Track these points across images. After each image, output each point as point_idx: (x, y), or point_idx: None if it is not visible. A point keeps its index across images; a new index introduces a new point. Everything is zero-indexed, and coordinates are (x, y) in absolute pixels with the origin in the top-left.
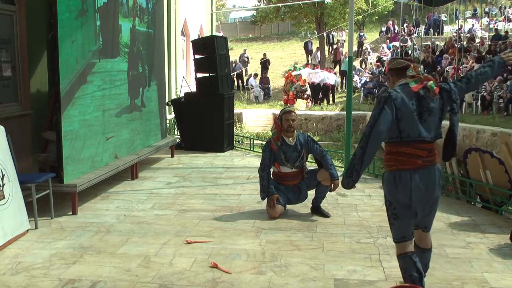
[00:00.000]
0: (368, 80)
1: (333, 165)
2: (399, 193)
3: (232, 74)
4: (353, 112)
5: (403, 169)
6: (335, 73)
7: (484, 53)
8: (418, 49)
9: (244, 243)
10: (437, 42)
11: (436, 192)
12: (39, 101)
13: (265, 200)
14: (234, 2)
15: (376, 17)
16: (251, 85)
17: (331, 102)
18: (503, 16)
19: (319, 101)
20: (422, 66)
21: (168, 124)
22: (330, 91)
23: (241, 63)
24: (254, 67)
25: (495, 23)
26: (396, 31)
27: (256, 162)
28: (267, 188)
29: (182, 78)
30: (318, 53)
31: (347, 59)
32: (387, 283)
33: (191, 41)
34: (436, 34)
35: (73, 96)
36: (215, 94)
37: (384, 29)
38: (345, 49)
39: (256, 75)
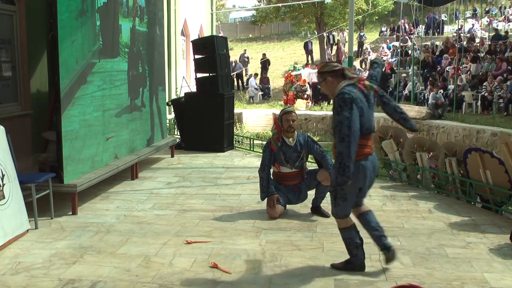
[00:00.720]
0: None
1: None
2: (359, 180)
3: (232, 74)
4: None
5: (361, 159)
6: None
7: (484, 53)
8: (418, 49)
9: (244, 243)
10: (437, 42)
11: (376, 172)
12: (39, 101)
13: (265, 200)
14: (234, 2)
15: (376, 17)
16: (250, 85)
17: (331, 102)
18: (503, 16)
19: (319, 101)
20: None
21: (168, 124)
22: None
23: (241, 63)
24: (254, 67)
25: (496, 23)
26: (407, 30)
27: (256, 162)
28: (267, 189)
29: (182, 78)
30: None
31: (347, 59)
32: (387, 283)
33: (191, 41)
34: (436, 34)
35: (73, 96)
36: (215, 94)
37: (384, 29)
38: (346, 49)
39: (256, 75)
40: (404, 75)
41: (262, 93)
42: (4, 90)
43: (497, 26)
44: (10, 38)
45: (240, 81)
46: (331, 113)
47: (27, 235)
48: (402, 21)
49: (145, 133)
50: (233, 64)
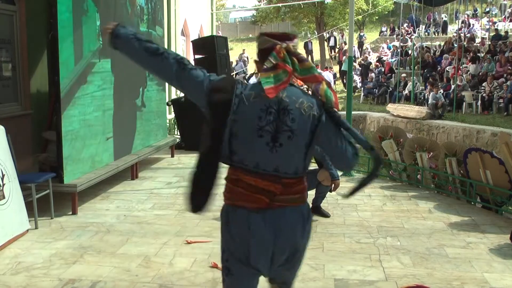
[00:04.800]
0: (368, 80)
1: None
2: (232, 238)
3: (232, 74)
4: (353, 112)
5: (239, 206)
6: (334, 73)
7: (484, 53)
8: (418, 49)
9: None
10: (438, 42)
11: (296, 240)
12: (39, 101)
13: None
14: (234, 2)
15: (376, 17)
16: None
17: None
18: (503, 16)
19: None
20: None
21: (168, 124)
22: None
23: (242, 63)
24: (254, 67)
25: (495, 23)
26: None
27: None
28: None
29: None
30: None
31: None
32: (387, 283)
33: (191, 41)
34: (440, 34)
35: (73, 96)
36: None
37: (384, 29)
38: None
39: (257, 74)
40: (404, 75)
41: None
42: (4, 90)
43: (497, 26)
44: (10, 38)
45: None
46: None
47: (27, 235)
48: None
49: (145, 133)
50: (235, 63)
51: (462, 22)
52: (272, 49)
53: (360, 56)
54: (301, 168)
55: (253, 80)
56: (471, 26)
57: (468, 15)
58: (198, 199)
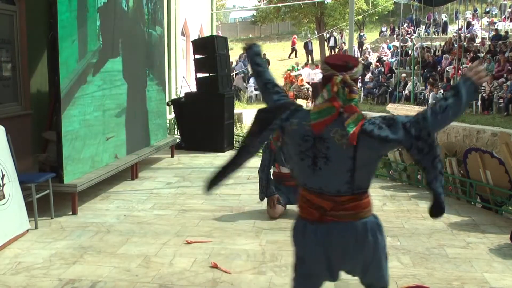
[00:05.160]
0: (368, 80)
1: None
2: (294, 244)
3: (232, 74)
4: None
5: (302, 217)
6: None
7: (484, 53)
8: (419, 49)
9: (244, 243)
10: (438, 42)
11: (350, 253)
12: (39, 101)
13: (265, 200)
14: (234, 2)
15: (376, 17)
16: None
17: None
18: (503, 16)
19: None
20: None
21: (168, 124)
22: None
23: (242, 63)
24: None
25: (495, 23)
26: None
27: (256, 162)
28: (266, 189)
29: (182, 78)
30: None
31: None
32: None
33: (191, 41)
34: (440, 34)
35: (73, 96)
36: (215, 94)
37: (384, 29)
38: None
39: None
40: (404, 75)
41: (252, 91)
42: (4, 90)
43: (497, 26)
44: (10, 38)
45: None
46: None
47: (27, 235)
48: (405, 24)
49: (145, 133)
50: (235, 63)
51: (467, 22)
52: (330, 79)
53: (360, 56)
54: (345, 189)
55: (252, 80)
56: (472, 26)
57: (473, 14)
58: (216, 179)
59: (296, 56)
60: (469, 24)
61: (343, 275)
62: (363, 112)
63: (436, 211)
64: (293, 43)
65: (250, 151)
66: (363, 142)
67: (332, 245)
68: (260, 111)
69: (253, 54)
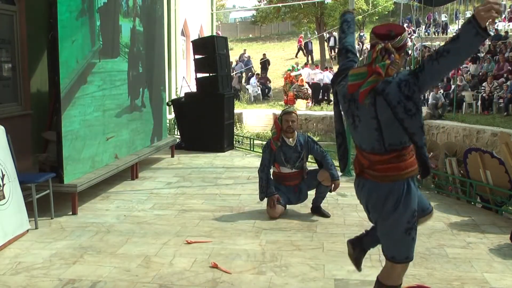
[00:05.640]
0: None
1: (334, 165)
2: None
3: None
4: None
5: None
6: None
7: (484, 53)
8: (419, 49)
9: (244, 243)
10: (438, 42)
11: (372, 206)
12: (39, 101)
13: (265, 200)
14: (234, 2)
15: (376, 17)
16: (251, 85)
17: (331, 102)
18: (503, 16)
19: (319, 101)
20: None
21: (168, 124)
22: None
23: (242, 63)
24: (254, 67)
25: (495, 23)
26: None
27: (256, 162)
28: (266, 189)
29: (182, 78)
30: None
31: None
32: None
33: (191, 41)
34: (440, 34)
35: (73, 96)
36: (215, 94)
37: None
38: None
39: (258, 74)
40: None
41: (259, 92)
42: (4, 90)
43: (497, 26)
44: (10, 38)
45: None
46: (331, 113)
47: (27, 235)
48: (405, 24)
49: (145, 133)
50: (235, 63)
51: (462, 21)
52: (373, 47)
53: (360, 56)
54: (377, 146)
55: (253, 80)
56: None
57: (465, 18)
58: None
59: (304, 55)
60: None
61: (341, 275)
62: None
63: (424, 173)
64: (299, 42)
65: (339, 116)
66: (379, 102)
67: (363, 198)
68: (331, 80)
69: (342, 21)
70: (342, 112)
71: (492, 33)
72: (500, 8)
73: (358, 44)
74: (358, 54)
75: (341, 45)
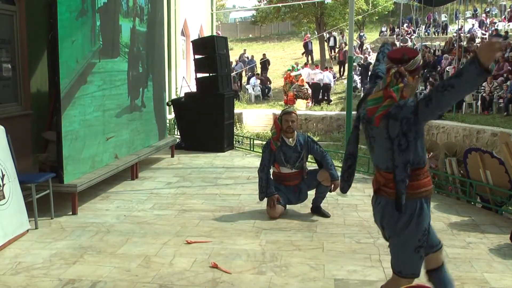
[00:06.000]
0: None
1: (334, 165)
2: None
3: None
4: (353, 112)
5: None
6: (334, 74)
7: None
8: (419, 49)
9: (244, 243)
10: (438, 42)
11: (385, 223)
12: (39, 101)
13: (265, 200)
14: (234, 2)
15: (376, 17)
16: (252, 85)
17: (331, 102)
18: (503, 16)
19: (319, 101)
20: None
21: (168, 124)
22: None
23: (242, 63)
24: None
25: (495, 23)
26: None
27: (256, 162)
28: (266, 189)
29: (182, 78)
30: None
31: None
32: None
33: (191, 41)
34: (440, 34)
35: (73, 96)
36: (215, 94)
37: (384, 29)
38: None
39: (258, 74)
40: None
41: (259, 90)
42: (4, 90)
43: (497, 26)
44: (10, 38)
45: (239, 81)
46: (331, 113)
47: (27, 235)
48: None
49: (145, 133)
50: (235, 63)
51: (479, 21)
52: (388, 71)
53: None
54: (391, 165)
55: (253, 80)
56: (472, 26)
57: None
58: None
59: (308, 55)
60: (481, 24)
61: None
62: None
63: (396, 206)
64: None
65: (355, 139)
66: (391, 124)
67: (378, 214)
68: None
69: (379, 51)
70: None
71: (493, 69)
72: (502, 47)
73: (358, 43)
74: (356, 52)
75: (373, 71)
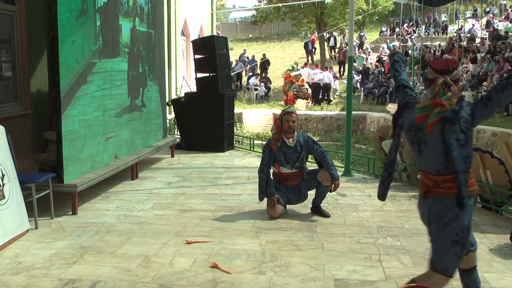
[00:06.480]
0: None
1: (334, 165)
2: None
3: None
4: (353, 112)
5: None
6: (334, 74)
7: (484, 53)
8: (419, 49)
9: (244, 243)
10: (438, 42)
11: (433, 220)
12: (39, 101)
13: (265, 200)
14: (234, 2)
15: (376, 17)
16: (253, 84)
17: (331, 102)
18: (503, 16)
19: (319, 101)
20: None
21: (168, 124)
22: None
23: (242, 63)
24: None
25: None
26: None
27: (256, 162)
28: (266, 189)
29: (182, 78)
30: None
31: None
32: (387, 283)
33: (191, 41)
34: (440, 34)
35: (73, 96)
36: (215, 94)
37: (384, 29)
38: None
39: (258, 74)
40: None
41: (264, 90)
42: (4, 90)
43: (497, 26)
44: (10, 38)
45: (239, 82)
46: (331, 113)
47: (27, 235)
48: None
49: (145, 133)
50: (235, 63)
51: (487, 21)
52: (434, 81)
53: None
54: (442, 169)
55: (253, 80)
56: (472, 26)
57: (465, 18)
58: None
59: (314, 54)
60: (489, 23)
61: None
62: (363, 111)
63: (458, 201)
64: (313, 41)
65: (396, 147)
66: (447, 127)
67: (426, 214)
68: (393, 115)
69: (393, 61)
70: (407, 141)
71: None
72: None
73: (357, 43)
74: (358, 52)
75: (397, 82)
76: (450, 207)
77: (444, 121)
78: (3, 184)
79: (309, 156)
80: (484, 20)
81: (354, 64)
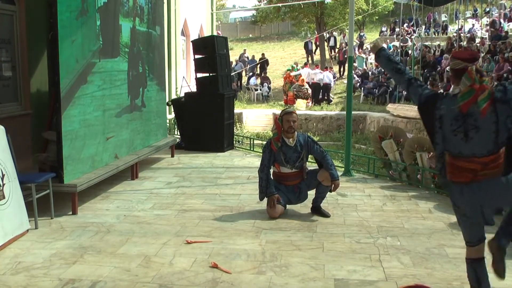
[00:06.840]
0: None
1: (334, 165)
2: (453, 202)
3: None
4: (353, 112)
5: (455, 181)
6: (334, 73)
7: (484, 53)
8: (419, 49)
9: (244, 243)
10: (438, 42)
11: (497, 197)
12: (39, 101)
13: (265, 200)
14: (234, 2)
15: (376, 17)
16: (253, 84)
17: (331, 102)
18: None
19: (319, 101)
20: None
21: (168, 124)
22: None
23: (242, 63)
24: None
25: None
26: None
27: (256, 162)
28: (266, 189)
29: (182, 78)
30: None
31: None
32: (387, 283)
33: (191, 41)
34: (440, 34)
35: (73, 96)
36: (215, 94)
37: (384, 29)
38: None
39: (258, 75)
40: None
41: (267, 90)
42: (4, 90)
43: (503, 26)
44: (10, 38)
45: (239, 82)
46: (331, 113)
47: (27, 235)
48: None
49: (145, 133)
50: (235, 63)
51: (492, 21)
52: (465, 70)
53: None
54: (492, 148)
55: (253, 80)
56: (472, 26)
57: (465, 18)
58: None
59: (315, 53)
60: (494, 23)
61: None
62: (363, 111)
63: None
64: (316, 40)
65: (435, 140)
66: (499, 107)
67: (485, 196)
68: (419, 108)
69: (386, 56)
70: (444, 133)
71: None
72: None
73: (357, 43)
74: (354, 52)
75: (407, 75)
76: (506, 181)
77: (495, 101)
78: (3, 184)
79: (309, 156)
80: (484, 20)
81: (354, 64)
